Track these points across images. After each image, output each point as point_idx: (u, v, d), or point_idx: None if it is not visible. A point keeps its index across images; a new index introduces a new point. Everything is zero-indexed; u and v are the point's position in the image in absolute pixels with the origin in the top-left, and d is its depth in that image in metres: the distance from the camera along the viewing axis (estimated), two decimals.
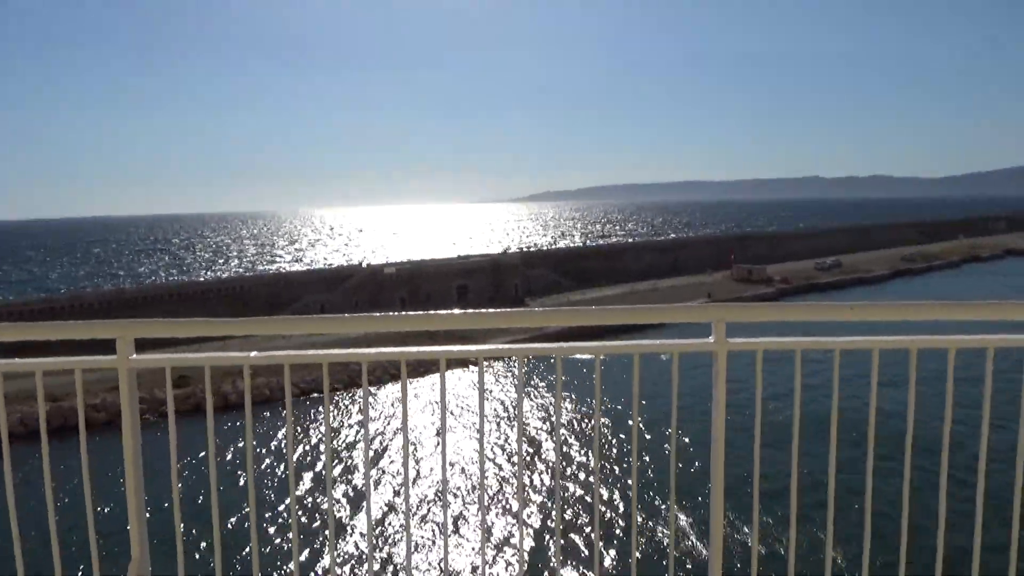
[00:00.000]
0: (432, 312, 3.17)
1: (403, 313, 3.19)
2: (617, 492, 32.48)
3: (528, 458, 37.31)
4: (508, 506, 32.24)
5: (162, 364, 3.22)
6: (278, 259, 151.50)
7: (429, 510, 31.37)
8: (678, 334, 3.56)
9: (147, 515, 3.36)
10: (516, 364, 3.44)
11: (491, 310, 3.19)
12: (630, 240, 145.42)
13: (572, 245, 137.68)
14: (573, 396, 46.62)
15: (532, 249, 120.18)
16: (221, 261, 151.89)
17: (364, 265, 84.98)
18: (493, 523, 30.47)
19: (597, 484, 3.94)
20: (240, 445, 40.54)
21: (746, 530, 25.41)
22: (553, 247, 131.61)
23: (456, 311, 3.29)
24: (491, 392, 49.97)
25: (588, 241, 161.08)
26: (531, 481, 34.80)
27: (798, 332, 3.30)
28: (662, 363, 3.49)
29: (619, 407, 42.97)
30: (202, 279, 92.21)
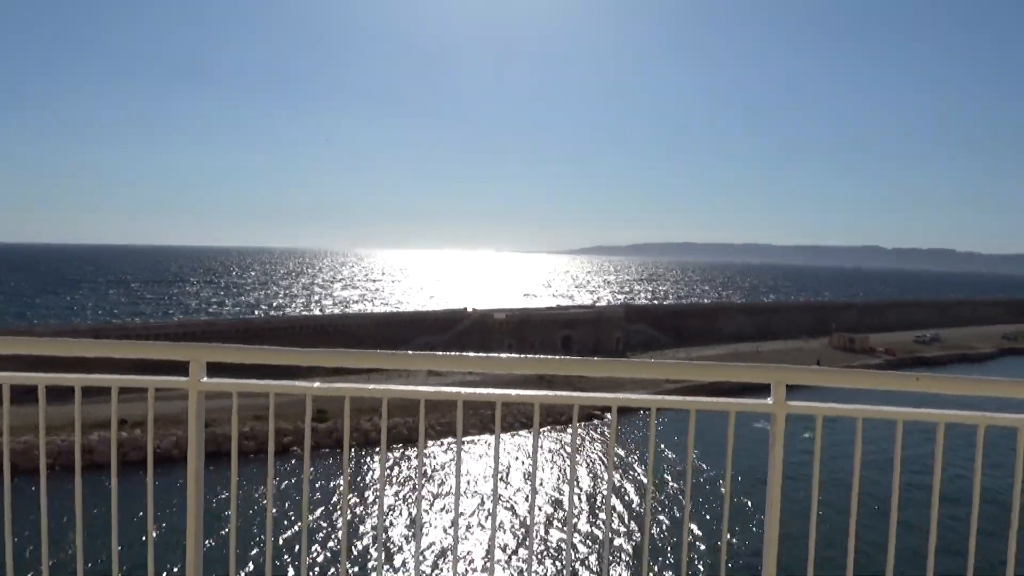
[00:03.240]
0: (492, 355, 3.08)
1: (463, 354, 3.10)
2: (668, 549, 31.93)
3: (575, 511, 36.96)
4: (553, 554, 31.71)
5: (229, 389, 3.18)
6: (372, 299, 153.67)
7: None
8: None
9: (203, 540, 3.29)
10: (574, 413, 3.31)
11: (551, 357, 3.08)
12: (724, 301, 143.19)
13: (669, 302, 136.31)
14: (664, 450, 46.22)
15: (633, 303, 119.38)
16: (316, 298, 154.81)
17: (471, 310, 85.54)
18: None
19: (645, 542, 3.73)
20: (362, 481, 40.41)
21: None
22: (652, 303, 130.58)
23: (508, 356, 3.18)
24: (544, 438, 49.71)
25: (676, 299, 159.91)
26: (577, 534, 34.03)
27: (862, 400, 3.13)
28: (738, 422, 3.21)
29: (703, 464, 41.93)
30: (317, 314, 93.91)
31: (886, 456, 3.34)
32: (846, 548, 3.29)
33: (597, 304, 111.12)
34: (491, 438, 50.12)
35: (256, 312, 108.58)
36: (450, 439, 48.26)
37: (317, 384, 3.14)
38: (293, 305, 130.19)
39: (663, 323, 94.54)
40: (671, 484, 41.60)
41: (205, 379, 3.14)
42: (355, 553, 30.32)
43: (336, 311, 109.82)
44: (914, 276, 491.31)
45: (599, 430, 52.94)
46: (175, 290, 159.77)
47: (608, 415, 53.92)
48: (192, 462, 3.20)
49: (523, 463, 45.63)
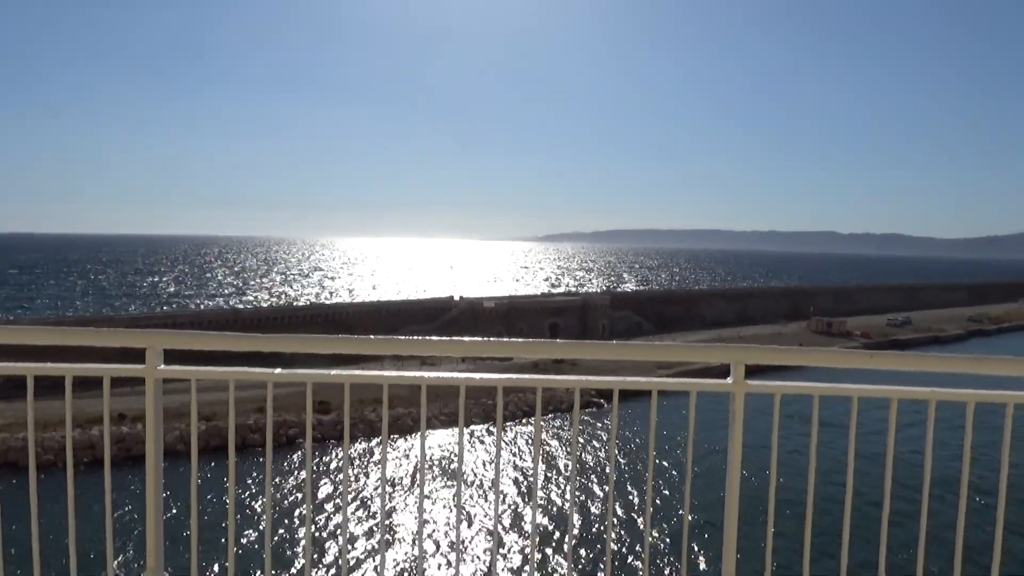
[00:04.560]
0: (455, 339, 3.10)
1: (426, 338, 3.08)
2: (631, 528, 32.44)
3: (541, 492, 36.71)
4: (520, 543, 31.81)
5: (188, 376, 3.10)
6: (353, 288, 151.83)
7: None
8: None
9: (163, 527, 3.23)
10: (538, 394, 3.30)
11: (515, 340, 3.06)
12: (702, 287, 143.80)
13: (648, 289, 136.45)
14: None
15: (617, 291, 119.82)
16: (297, 287, 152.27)
17: (459, 299, 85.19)
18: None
19: (610, 519, 3.72)
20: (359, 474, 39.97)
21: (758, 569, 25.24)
22: (634, 290, 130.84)
23: (470, 339, 3.13)
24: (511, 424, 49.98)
25: (647, 286, 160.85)
26: (543, 514, 34.21)
27: (819, 378, 3.26)
28: (703, 404, 3.27)
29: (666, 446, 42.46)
30: (306, 304, 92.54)
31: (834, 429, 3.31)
32: (804, 520, 3.31)
33: (581, 291, 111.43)
34: (492, 427, 49.96)
35: (232, 302, 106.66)
36: (453, 428, 48.07)
37: (278, 371, 3.04)
38: (273, 295, 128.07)
39: (645, 310, 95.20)
40: (640, 466, 41.73)
41: (162, 366, 3.05)
42: (318, 550, 29.72)
43: (323, 301, 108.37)
44: (866, 260, 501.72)
45: (595, 417, 52.99)
46: (151, 280, 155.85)
47: (607, 403, 53.47)
48: (151, 453, 3.10)
49: (493, 452, 45.16)
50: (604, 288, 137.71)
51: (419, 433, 47.71)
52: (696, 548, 28.44)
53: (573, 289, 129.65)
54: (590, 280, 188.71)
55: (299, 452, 44.02)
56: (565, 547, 30.12)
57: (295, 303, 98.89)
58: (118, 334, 3.04)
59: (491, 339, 3.06)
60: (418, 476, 36.05)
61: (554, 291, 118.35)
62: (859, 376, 3.16)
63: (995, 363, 3.02)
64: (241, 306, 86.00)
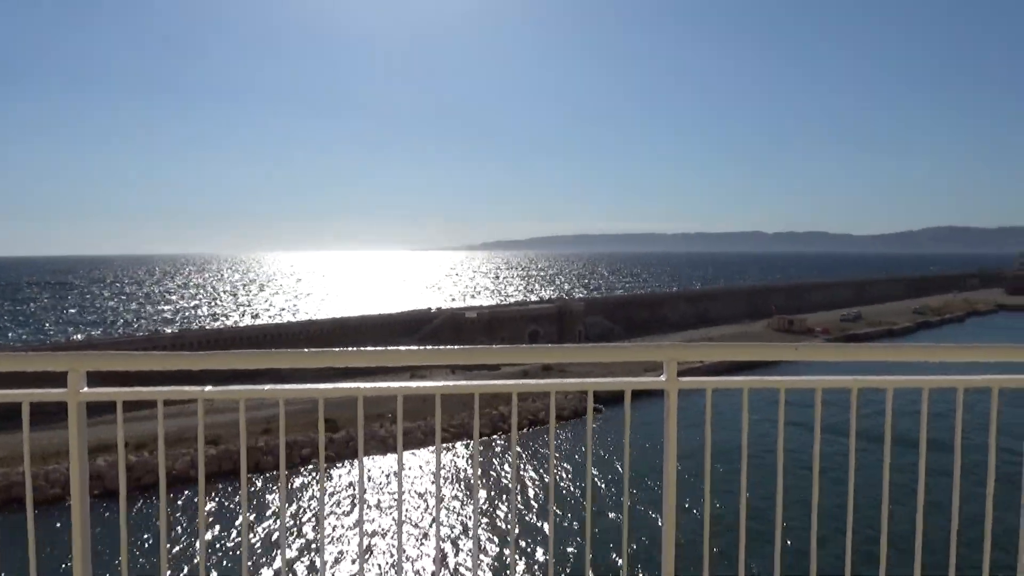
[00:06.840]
0: (388, 348, 3.02)
1: (360, 348, 3.01)
2: (574, 520, 32.96)
3: (483, 492, 36.51)
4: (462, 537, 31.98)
5: (113, 398, 2.95)
6: (321, 303, 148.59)
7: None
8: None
9: (91, 555, 3.03)
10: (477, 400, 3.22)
11: (454, 347, 3.02)
12: (664, 291, 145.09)
13: (620, 294, 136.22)
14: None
15: (589, 297, 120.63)
16: (256, 304, 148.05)
17: (435, 310, 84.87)
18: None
19: (552, 513, 3.69)
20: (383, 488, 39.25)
21: (696, 566, 25.64)
22: (603, 296, 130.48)
23: (402, 348, 3.05)
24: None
25: (609, 291, 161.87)
26: (488, 513, 34.36)
27: (750, 372, 3.66)
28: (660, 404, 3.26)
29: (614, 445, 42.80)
30: (283, 322, 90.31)
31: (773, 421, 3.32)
32: (739, 513, 3.39)
33: (555, 299, 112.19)
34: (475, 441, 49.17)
35: (212, 324, 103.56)
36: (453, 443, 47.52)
37: (209, 388, 2.92)
38: (244, 316, 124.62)
39: (615, 315, 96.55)
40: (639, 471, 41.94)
41: (86, 389, 2.88)
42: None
43: (295, 319, 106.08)
44: (791, 258, 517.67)
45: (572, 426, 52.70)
46: (114, 303, 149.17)
47: (604, 408, 53.42)
48: (75, 482, 2.90)
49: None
50: (570, 296, 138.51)
51: (431, 447, 47.56)
52: (638, 543, 28.12)
53: (545, 297, 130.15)
54: (556, 288, 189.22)
55: (314, 472, 43.34)
56: (506, 553, 29.47)
57: (264, 323, 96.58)
58: (37, 358, 2.85)
59: (429, 348, 2.96)
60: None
61: (528, 299, 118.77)
62: (789, 369, 3.29)
63: (912, 350, 3.15)
64: (223, 326, 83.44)
